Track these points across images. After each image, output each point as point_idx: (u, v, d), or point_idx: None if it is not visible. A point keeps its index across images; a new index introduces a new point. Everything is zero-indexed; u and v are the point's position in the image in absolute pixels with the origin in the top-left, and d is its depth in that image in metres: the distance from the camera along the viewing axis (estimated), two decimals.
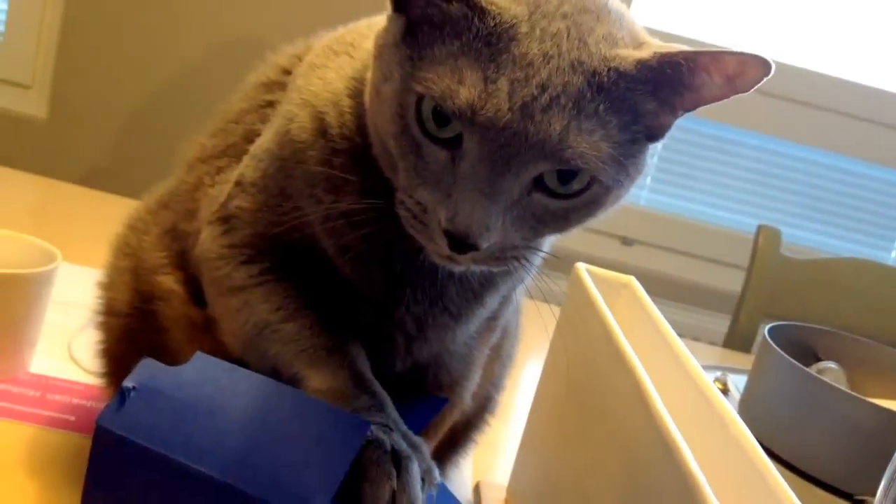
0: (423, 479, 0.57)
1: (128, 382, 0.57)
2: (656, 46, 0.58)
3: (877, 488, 0.65)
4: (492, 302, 0.71)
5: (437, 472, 0.59)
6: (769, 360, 1.18)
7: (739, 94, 0.57)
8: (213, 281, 0.68)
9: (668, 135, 0.61)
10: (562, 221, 0.59)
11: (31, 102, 2.20)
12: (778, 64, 0.55)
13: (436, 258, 0.60)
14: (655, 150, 0.62)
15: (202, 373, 0.59)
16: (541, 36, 0.55)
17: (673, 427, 0.53)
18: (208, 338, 0.68)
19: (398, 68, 0.57)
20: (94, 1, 2.17)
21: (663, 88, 0.57)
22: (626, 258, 2.37)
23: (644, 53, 0.57)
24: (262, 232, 0.67)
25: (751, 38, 2.36)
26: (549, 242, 0.69)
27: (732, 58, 0.56)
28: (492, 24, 0.55)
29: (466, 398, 0.76)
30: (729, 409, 0.61)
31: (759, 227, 1.81)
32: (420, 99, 0.56)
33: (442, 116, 0.56)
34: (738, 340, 1.79)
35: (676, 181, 2.44)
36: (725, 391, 1.27)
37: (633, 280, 0.79)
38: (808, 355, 1.27)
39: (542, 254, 0.65)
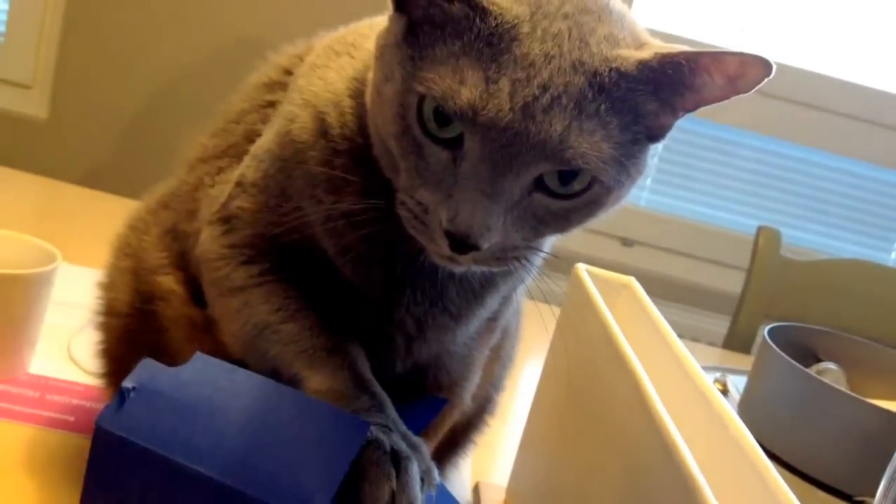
0: (422, 480, 0.57)
1: (127, 383, 0.57)
2: (657, 47, 0.58)
3: (877, 489, 0.65)
4: (492, 302, 0.71)
5: (436, 472, 0.59)
6: (769, 361, 1.18)
7: (740, 95, 0.57)
8: (214, 281, 0.68)
9: (669, 136, 0.61)
10: (562, 222, 0.59)
11: (31, 102, 2.20)
12: (779, 65, 0.55)
13: (436, 259, 0.60)
14: (656, 151, 0.62)
15: (202, 373, 0.59)
16: (542, 36, 0.55)
17: (673, 428, 0.53)
18: (208, 338, 0.68)
19: (399, 68, 0.57)
20: (95, 1, 2.17)
21: (664, 89, 0.57)
22: (626, 259, 2.37)
23: (645, 54, 0.57)
24: (263, 232, 0.67)
25: (751, 38, 2.36)
26: (550, 243, 0.69)
27: (733, 58, 0.56)
28: (493, 25, 0.55)
29: (466, 399, 0.76)
30: (729, 409, 0.61)
31: (760, 229, 1.81)
32: (421, 99, 0.56)
33: (443, 116, 0.56)
34: (737, 341, 1.79)
35: (677, 182, 2.44)
36: (725, 392, 1.27)
37: (633, 281, 0.79)
38: (808, 356, 1.27)
39: (542, 254, 0.65)
